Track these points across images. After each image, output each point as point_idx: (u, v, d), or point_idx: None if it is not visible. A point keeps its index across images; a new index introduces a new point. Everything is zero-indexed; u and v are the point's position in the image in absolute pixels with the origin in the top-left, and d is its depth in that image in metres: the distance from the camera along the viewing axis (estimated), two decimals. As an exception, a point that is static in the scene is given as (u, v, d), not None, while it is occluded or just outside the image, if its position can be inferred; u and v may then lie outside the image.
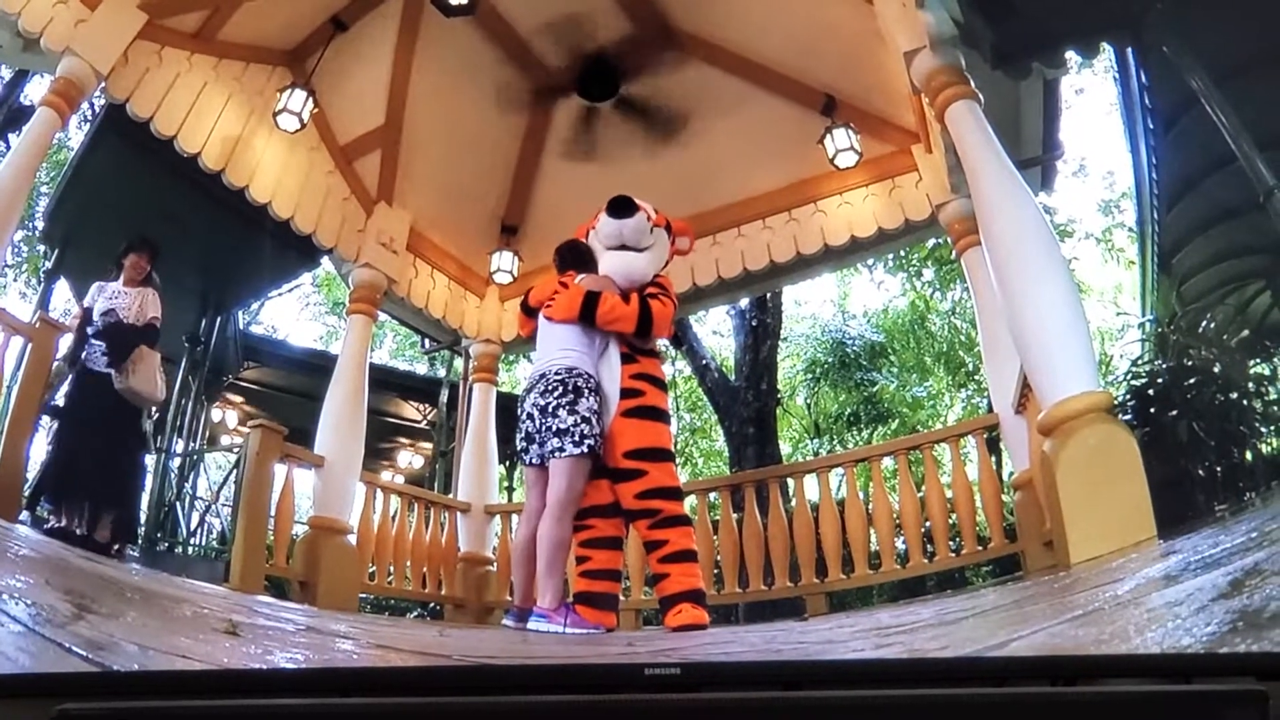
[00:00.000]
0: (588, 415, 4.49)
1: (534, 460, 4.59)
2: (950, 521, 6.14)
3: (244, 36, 6.35)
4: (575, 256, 5.09)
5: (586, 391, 4.55)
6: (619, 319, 4.69)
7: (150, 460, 6.21)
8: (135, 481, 6.00)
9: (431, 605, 7.92)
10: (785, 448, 17.10)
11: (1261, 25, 6.22)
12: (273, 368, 15.13)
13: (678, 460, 5.50)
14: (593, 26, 6.82)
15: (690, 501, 6.49)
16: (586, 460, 4.47)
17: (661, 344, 5.87)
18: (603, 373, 4.74)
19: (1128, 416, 6.34)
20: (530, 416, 4.58)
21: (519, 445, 4.71)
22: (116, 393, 5.49)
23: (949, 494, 6.14)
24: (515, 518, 7.57)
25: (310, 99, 6.24)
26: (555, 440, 4.45)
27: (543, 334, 4.87)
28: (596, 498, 4.67)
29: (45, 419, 5.58)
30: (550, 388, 4.56)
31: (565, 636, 4.10)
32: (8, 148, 9.65)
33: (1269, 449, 6.50)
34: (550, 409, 4.50)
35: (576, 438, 4.43)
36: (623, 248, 4.98)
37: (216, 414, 14.43)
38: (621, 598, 5.42)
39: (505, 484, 16.36)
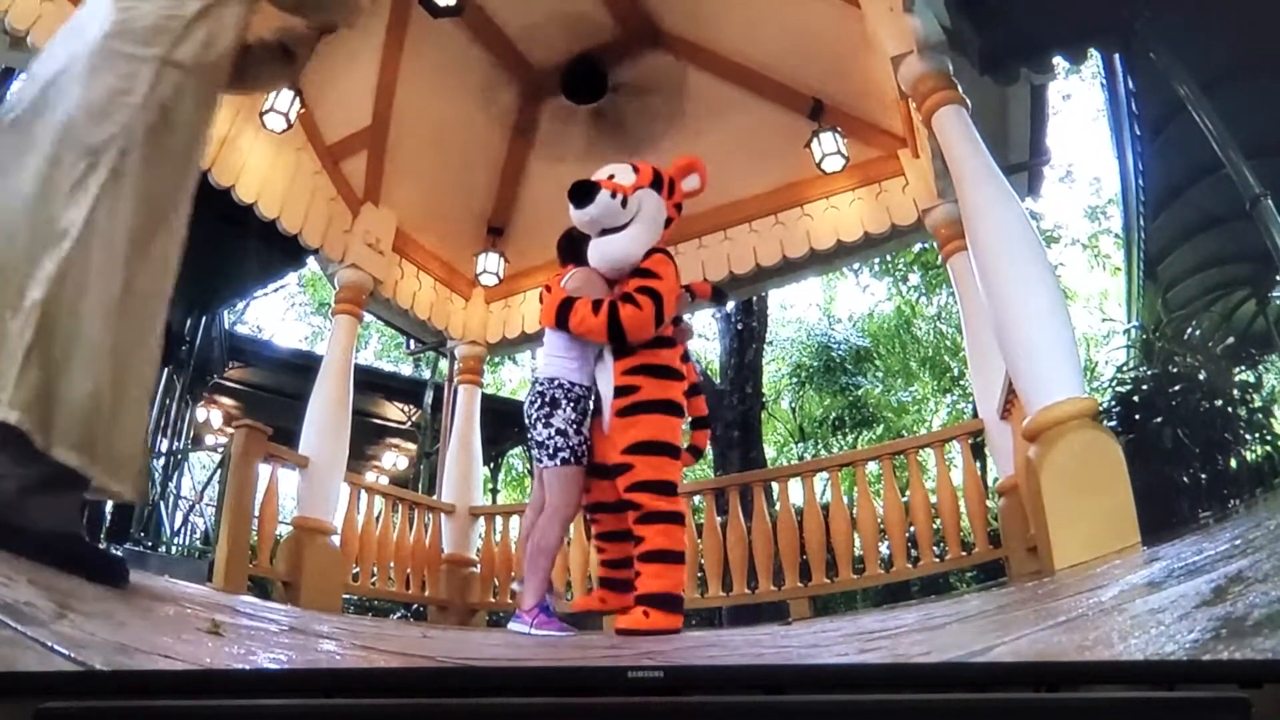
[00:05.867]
0: (563, 427, 4.48)
1: (534, 460, 4.66)
2: (934, 527, 6.15)
3: (231, 35, 6.30)
4: (570, 248, 5.05)
5: (564, 402, 4.53)
6: (589, 331, 4.50)
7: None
8: None
9: (415, 607, 7.89)
10: (770, 452, 17.14)
11: (1248, 33, 6.26)
12: (258, 368, 15.09)
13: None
14: (580, 28, 6.81)
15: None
16: (569, 468, 4.48)
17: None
18: (599, 373, 4.67)
19: (1112, 423, 6.37)
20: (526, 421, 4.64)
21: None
22: None
23: (933, 499, 6.12)
24: (499, 520, 7.60)
25: (297, 99, 6.21)
26: (536, 451, 4.54)
27: (545, 334, 4.85)
28: (600, 495, 4.69)
29: None
30: (533, 399, 4.59)
31: (550, 639, 4.09)
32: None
33: (1253, 456, 6.53)
34: (531, 420, 4.55)
35: (551, 450, 4.47)
36: (602, 232, 4.76)
37: (201, 414, 14.38)
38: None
39: (490, 486, 16.35)
